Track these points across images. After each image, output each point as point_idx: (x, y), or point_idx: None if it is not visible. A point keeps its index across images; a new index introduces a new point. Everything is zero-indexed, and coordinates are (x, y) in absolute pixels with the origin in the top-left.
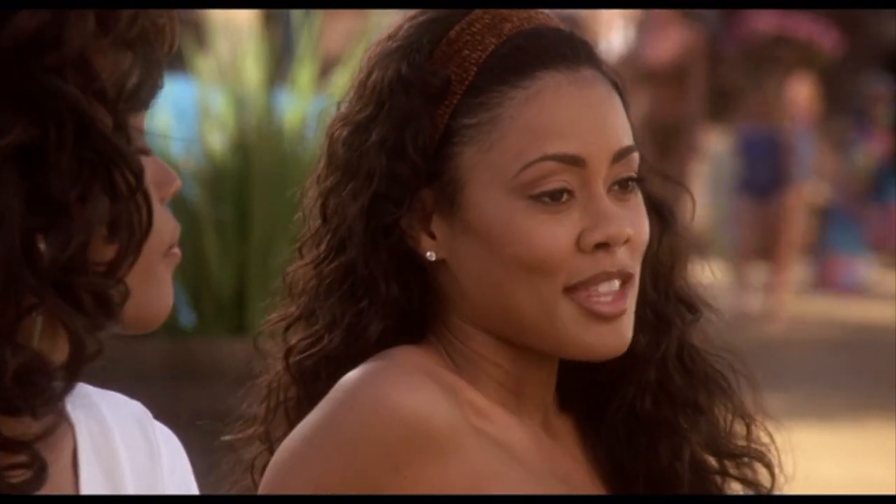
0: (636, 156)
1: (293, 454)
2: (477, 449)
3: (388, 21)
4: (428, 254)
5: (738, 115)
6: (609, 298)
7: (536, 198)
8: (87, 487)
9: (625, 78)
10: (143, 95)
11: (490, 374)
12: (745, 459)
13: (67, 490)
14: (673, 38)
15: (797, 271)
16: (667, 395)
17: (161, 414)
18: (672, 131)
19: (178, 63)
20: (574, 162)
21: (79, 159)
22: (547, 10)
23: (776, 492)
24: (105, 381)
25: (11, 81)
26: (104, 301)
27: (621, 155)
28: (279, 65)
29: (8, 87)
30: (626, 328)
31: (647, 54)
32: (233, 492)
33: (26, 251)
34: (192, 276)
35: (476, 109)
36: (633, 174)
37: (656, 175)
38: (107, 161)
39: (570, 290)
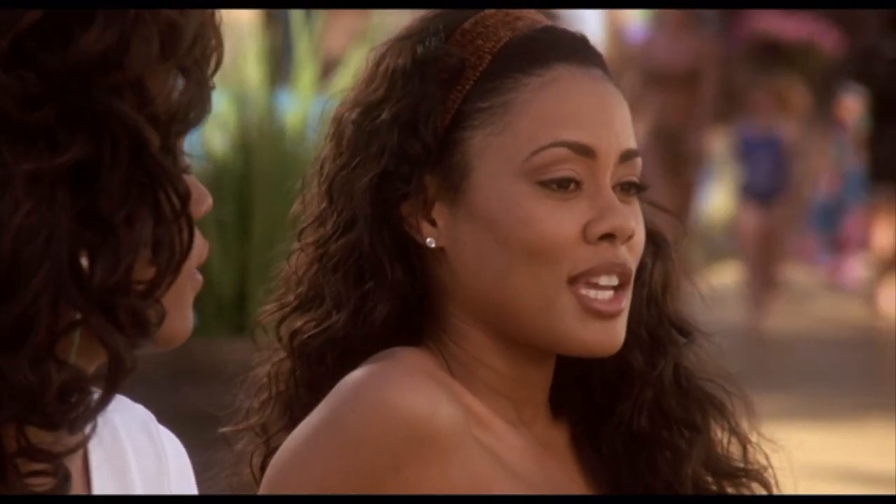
0: (639, 161)
1: (294, 454)
2: (475, 454)
3: (390, 21)
4: (428, 240)
5: (740, 116)
6: (608, 295)
7: (544, 184)
8: (99, 490)
9: (634, 81)
10: (192, 118)
11: (485, 380)
12: (743, 479)
13: (79, 492)
14: (685, 41)
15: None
16: (662, 414)
17: (161, 414)
18: (680, 138)
19: None
20: (585, 152)
21: (129, 180)
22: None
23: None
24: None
25: (72, 100)
26: (142, 321)
27: (627, 156)
28: (280, 65)
29: (68, 105)
30: (621, 328)
31: (657, 57)
32: (230, 484)
33: (74, 269)
34: None
35: (489, 94)
36: (636, 179)
37: (650, 203)
38: (155, 183)
39: (572, 280)
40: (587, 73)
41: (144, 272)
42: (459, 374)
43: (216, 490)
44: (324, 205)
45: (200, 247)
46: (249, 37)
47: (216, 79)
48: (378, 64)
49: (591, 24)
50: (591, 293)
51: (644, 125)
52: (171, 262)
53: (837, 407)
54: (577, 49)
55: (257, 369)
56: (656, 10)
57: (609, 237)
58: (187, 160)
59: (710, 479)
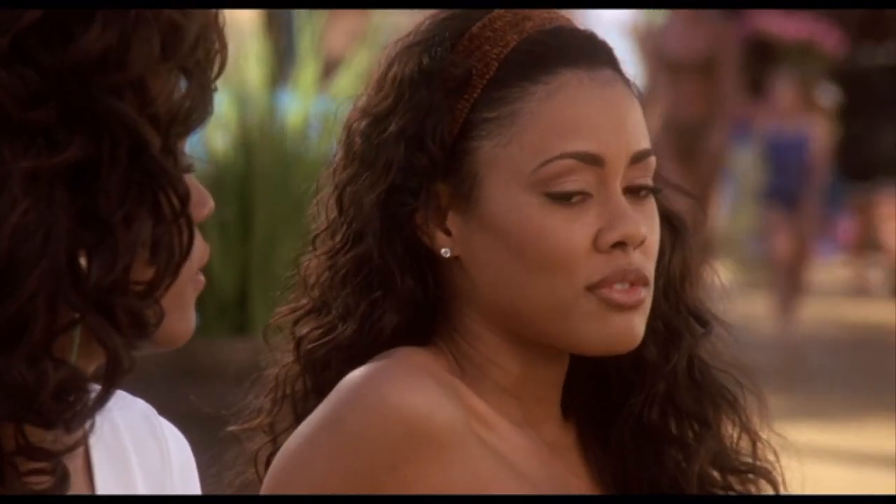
0: (653, 160)
1: (295, 453)
2: (476, 453)
3: (391, 21)
4: (443, 251)
5: (764, 115)
6: (625, 286)
7: (554, 197)
8: (102, 489)
9: (647, 69)
10: (194, 120)
11: (495, 380)
12: (750, 476)
13: (82, 491)
14: (701, 27)
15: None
16: (674, 408)
17: (162, 414)
18: (696, 132)
19: None
20: (593, 161)
21: (128, 180)
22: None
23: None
24: None
25: (72, 99)
26: (140, 321)
27: (639, 157)
28: (281, 65)
29: (68, 104)
30: (640, 322)
31: (671, 45)
32: (236, 483)
33: (72, 268)
34: None
35: (496, 103)
36: (649, 182)
37: (669, 186)
38: (155, 184)
39: (590, 288)
40: (595, 77)
41: (143, 273)
42: (470, 373)
43: (219, 489)
44: (334, 214)
45: (202, 249)
46: (250, 37)
47: (218, 79)
48: (387, 70)
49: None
50: (607, 290)
51: (657, 118)
52: (170, 264)
53: (838, 407)
54: (585, 51)
55: (266, 370)
56: None
57: (621, 245)
58: (189, 161)
59: (716, 474)
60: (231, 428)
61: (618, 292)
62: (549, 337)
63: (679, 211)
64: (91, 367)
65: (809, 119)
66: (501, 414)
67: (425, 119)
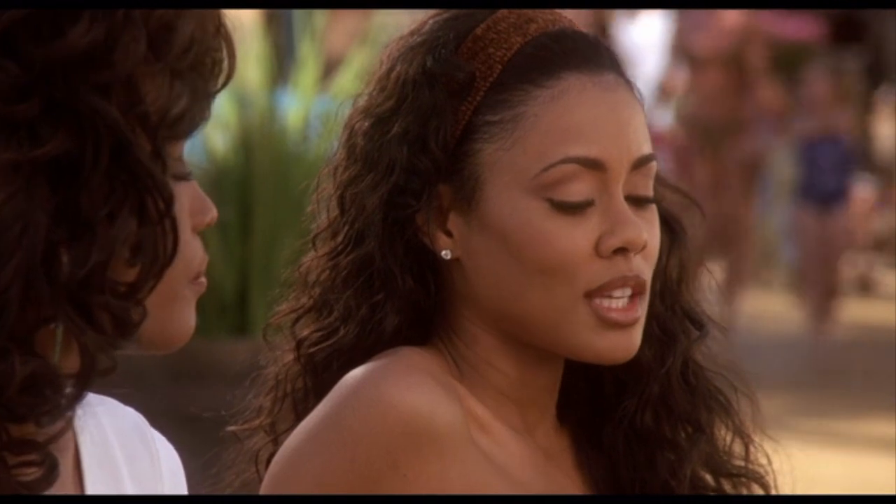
0: (654, 165)
1: (296, 452)
2: (471, 458)
3: (392, 21)
4: (444, 252)
5: (798, 110)
6: (622, 304)
7: (555, 202)
8: (92, 490)
9: (668, 67)
10: (185, 125)
11: (493, 382)
12: (743, 479)
13: (72, 493)
14: (728, 17)
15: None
16: (667, 411)
17: (162, 414)
18: (722, 132)
19: None
20: (595, 166)
21: (111, 179)
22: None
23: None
24: (106, 381)
25: (56, 94)
26: (122, 321)
27: (641, 162)
28: (281, 65)
29: (51, 99)
30: (637, 336)
31: (692, 39)
32: (236, 483)
33: (47, 263)
34: None
35: (499, 106)
36: (650, 193)
37: (668, 188)
38: (139, 185)
39: (588, 294)
40: (598, 82)
41: (125, 273)
42: (467, 375)
43: (219, 489)
44: (335, 214)
45: (200, 253)
46: (251, 37)
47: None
48: (390, 69)
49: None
50: (606, 303)
51: (681, 117)
52: (153, 266)
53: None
54: (588, 56)
55: (267, 369)
56: None
57: (622, 251)
58: (186, 169)
59: (709, 478)
60: (231, 427)
61: (615, 311)
62: (545, 342)
63: (677, 213)
64: (76, 366)
65: (843, 114)
66: (498, 418)
67: (428, 121)
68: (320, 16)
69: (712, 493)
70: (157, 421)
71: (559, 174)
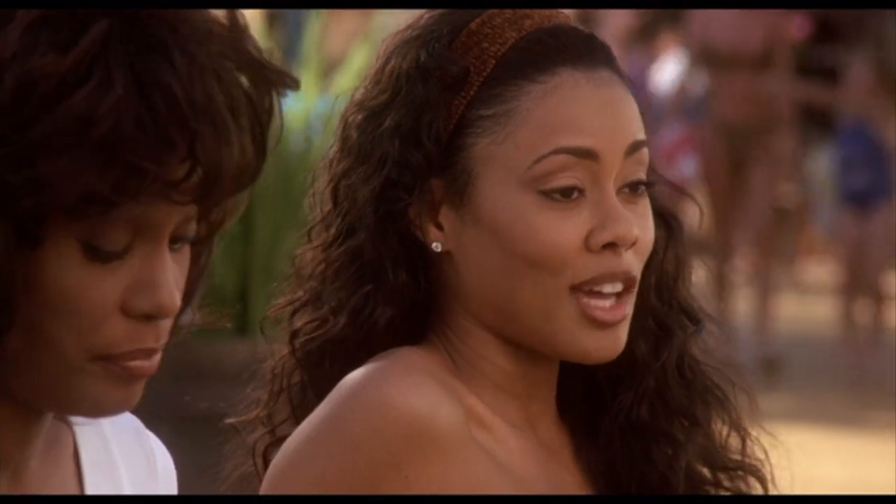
0: (647, 152)
1: (296, 452)
2: (472, 457)
3: (393, 21)
4: (434, 245)
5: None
6: (610, 303)
7: (547, 193)
8: (92, 488)
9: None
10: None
11: (489, 377)
12: (740, 473)
13: (73, 490)
14: (756, 16)
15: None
16: (663, 405)
17: (162, 413)
18: (749, 137)
19: None
20: (587, 155)
21: None
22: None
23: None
24: None
25: None
26: None
27: (634, 148)
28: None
29: None
30: (623, 334)
31: (721, 35)
32: (234, 476)
33: None
34: None
35: (492, 101)
36: (643, 178)
37: (663, 182)
38: None
39: (574, 288)
40: (592, 78)
41: None
42: (464, 371)
43: (219, 487)
44: (329, 206)
45: (123, 335)
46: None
47: None
48: (385, 63)
49: None
50: (593, 302)
51: (706, 118)
52: None
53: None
54: (582, 51)
55: (265, 363)
56: None
57: (612, 245)
58: (119, 247)
59: (706, 471)
60: (229, 420)
61: (601, 310)
62: (533, 339)
63: (673, 208)
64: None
65: (886, 109)
66: (498, 414)
67: (421, 115)
68: (321, 16)
69: (710, 488)
70: (157, 420)
71: (550, 165)
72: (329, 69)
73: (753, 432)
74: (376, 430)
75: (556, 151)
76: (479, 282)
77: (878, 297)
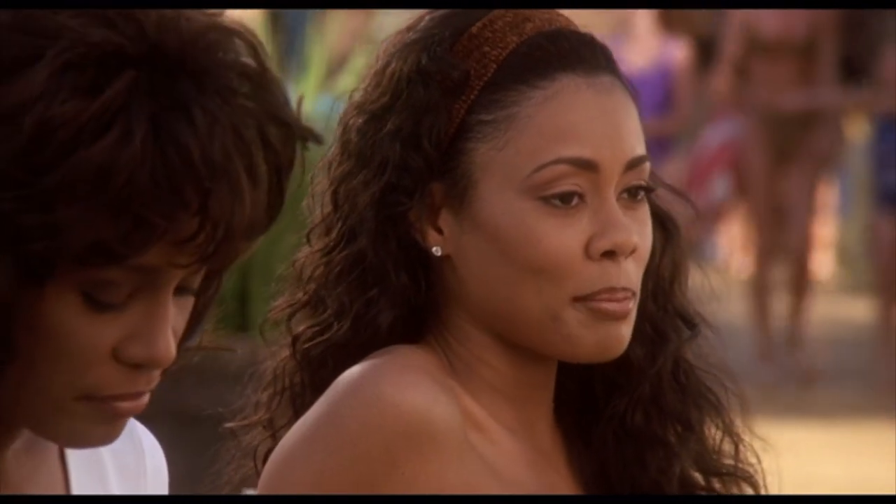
0: (647, 166)
1: (293, 450)
2: (466, 457)
3: (393, 22)
4: (434, 249)
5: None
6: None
7: (547, 199)
8: (78, 486)
9: (737, 55)
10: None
11: (486, 380)
12: (732, 478)
13: (59, 488)
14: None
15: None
16: (658, 410)
17: (162, 412)
18: (795, 126)
19: None
20: (587, 166)
21: None
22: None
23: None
24: None
25: None
26: None
27: (634, 164)
28: (284, 66)
29: None
30: (627, 331)
31: (766, 23)
32: (235, 478)
33: None
34: None
35: (493, 106)
36: (644, 182)
37: (662, 186)
38: None
39: (577, 300)
40: (593, 84)
41: None
42: (461, 372)
43: (218, 486)
44: (329, 209)
45: (114, 380)
46: None
47: None
48: (385, 65)
49: None
50: (595, 303)
51: (749, 108)
52: None
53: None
54: (584, 57)
55: (264, 364)
56: None
57: (611, 253)
58: (119, 297)
59: (699, 476)
60: (229, 424)
61: (606, 301)
62: (535, 342)
63: (671, 212)
64: None
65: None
66: (492, 416)
67: (422, 119)
68: (323, 16)
69: (702, 493)
70: (157, 420)
71: (551, 174)
72: (331, 69)
73: (746, 437)
74: (373, 426)
75: (557, 161)
76: (479, 285)
77: None
